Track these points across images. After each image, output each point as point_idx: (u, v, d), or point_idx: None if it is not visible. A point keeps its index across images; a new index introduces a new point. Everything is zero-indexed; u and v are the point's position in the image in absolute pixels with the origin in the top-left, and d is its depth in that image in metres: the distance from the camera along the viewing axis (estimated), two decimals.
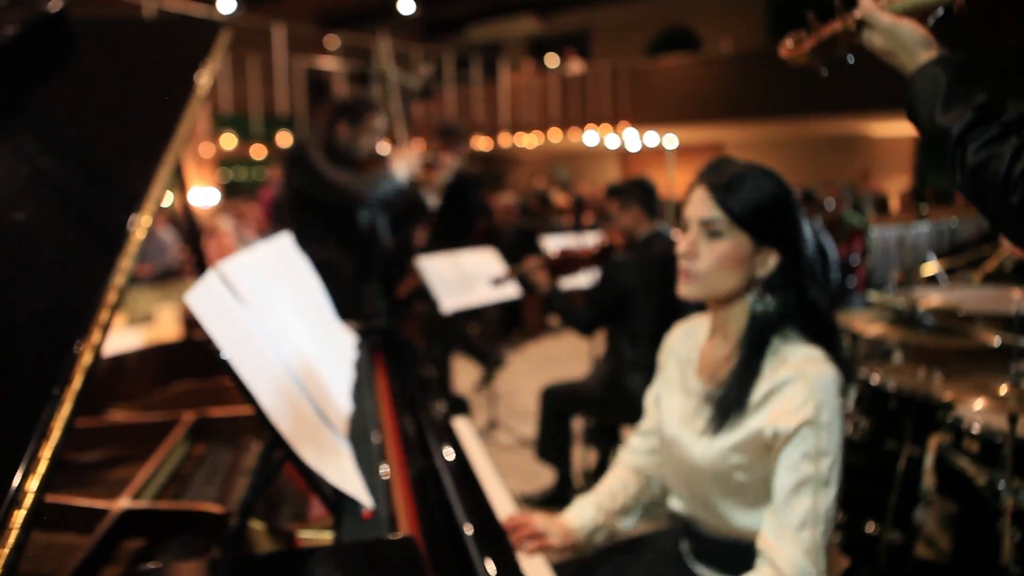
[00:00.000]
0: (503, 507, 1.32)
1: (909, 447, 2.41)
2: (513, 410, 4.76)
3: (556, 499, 3.35)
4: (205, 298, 0.89)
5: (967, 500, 2.33)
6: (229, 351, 0.85)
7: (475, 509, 1.04)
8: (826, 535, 1.12)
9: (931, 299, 2.83)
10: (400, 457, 1.20)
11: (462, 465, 1.24)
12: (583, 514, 1.44)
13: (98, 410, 1.69)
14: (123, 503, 1.04)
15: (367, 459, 1.12)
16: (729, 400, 1.21)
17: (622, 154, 17.09)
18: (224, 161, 12.77)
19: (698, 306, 1.36)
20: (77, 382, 0.74)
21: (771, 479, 1.19)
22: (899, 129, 13.53)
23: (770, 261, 1.22)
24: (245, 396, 0.85)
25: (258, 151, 12.35)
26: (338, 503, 0.94)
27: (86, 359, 0.76)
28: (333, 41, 13.09)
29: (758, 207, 1.19)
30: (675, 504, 1.43)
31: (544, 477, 3.56)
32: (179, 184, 2.10)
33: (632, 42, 16.43)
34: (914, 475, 2.39)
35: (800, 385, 1.15)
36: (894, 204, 11.16)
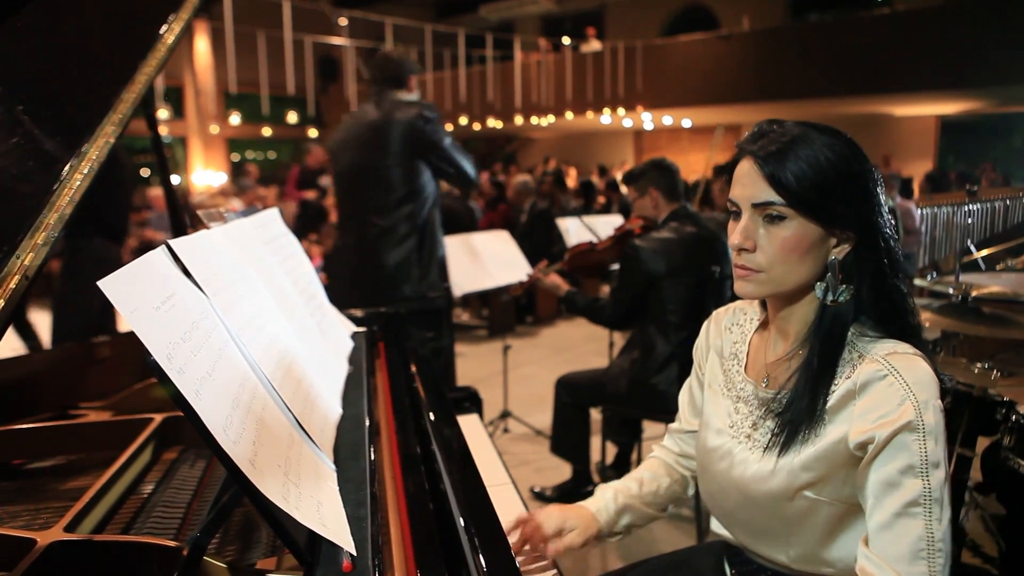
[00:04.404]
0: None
1: (960, 448, 2.21)
2: (527, 398, 4.57)
3: (572, 495, 3.16)
4: (137, 284, 0.68)
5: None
6: (163, 351, 0.64)
7: (491, 558, 0.84)
8: (946, 569, 0.88)
9: (986, 287, 2.60)
10: (398, 474, 1.00)
11: (472, 483, 1.03)
12: (604, 495, 1.25)
13: (61, 408, 1.50)
14: (54, 533, 0.84)
15: (357, 480, 0.91)
16: (799, 411, 0.99)
17: (637, 131, 16.81)
18: (232, 141, 12.58)
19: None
20: None
21: (849, 498, 0.97)
22: (922, 108, 13.15)
23: (845, 244, 0.99)
24: (185, 413, 0.64)
25: (267, 131, 12.16)
26: (312, 547, 0.74)
27: None
28: (344, 20, 12.86)
29: (820, 182, 0.94)
30: (717, 526, 1.22)
31: (559, 469, 3.37)
32: (162, 163, 1.91)
33: (647, 21, 16.08)
34: (964, 479, 2.19)
35: (893, 382, 0.92)
36: (917, 188, 10.83)
